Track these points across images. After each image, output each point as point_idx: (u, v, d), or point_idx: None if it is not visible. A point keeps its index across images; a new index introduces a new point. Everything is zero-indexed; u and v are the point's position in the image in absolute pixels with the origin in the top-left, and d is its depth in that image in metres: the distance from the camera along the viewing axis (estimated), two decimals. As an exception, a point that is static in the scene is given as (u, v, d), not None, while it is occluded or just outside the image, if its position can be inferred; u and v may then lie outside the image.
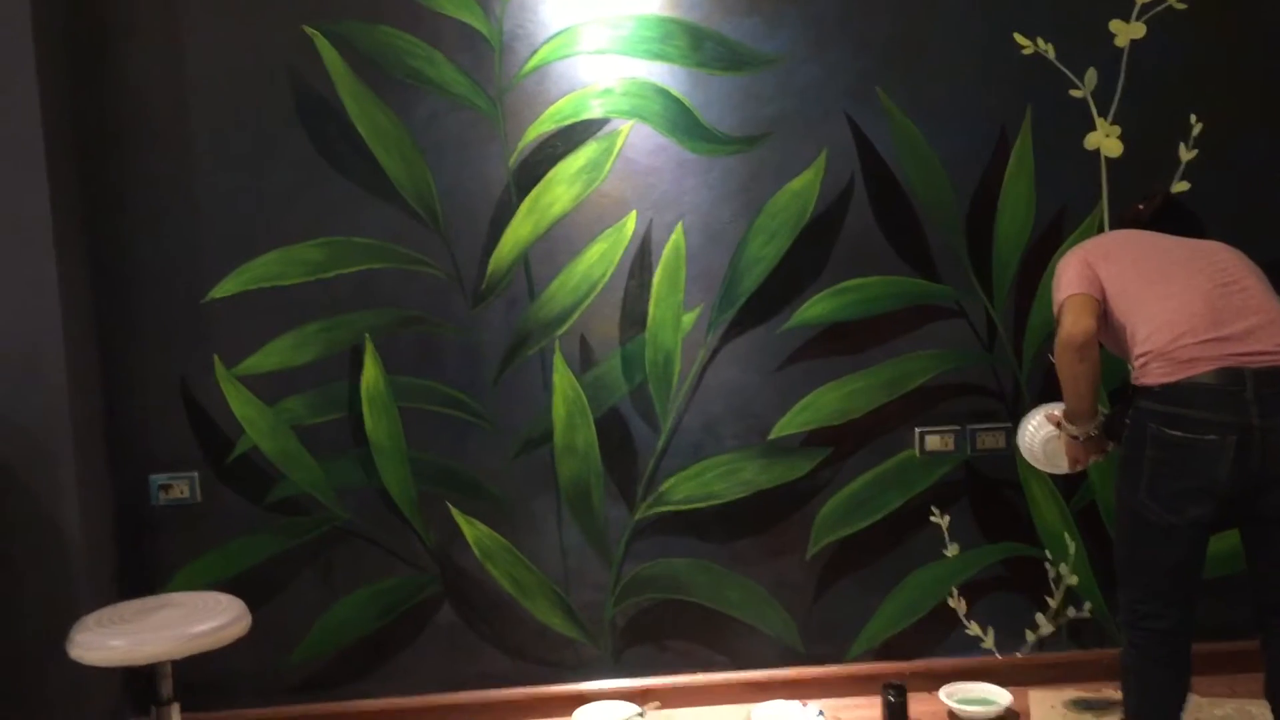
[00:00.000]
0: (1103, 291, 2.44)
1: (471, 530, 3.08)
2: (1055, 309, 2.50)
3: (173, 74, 2.91)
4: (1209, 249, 2.47)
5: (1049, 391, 3.02)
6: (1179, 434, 2.26)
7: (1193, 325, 2.31)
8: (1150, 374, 2.33)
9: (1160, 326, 2.34)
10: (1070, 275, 2.48)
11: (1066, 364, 2.46)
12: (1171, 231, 2.56)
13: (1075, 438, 2.54)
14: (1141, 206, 2.65)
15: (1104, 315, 2.44)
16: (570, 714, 3.03)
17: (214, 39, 2.91)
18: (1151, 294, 2.39)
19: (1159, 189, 2.68)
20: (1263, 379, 2.23)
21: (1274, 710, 2.36)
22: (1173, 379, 2.28)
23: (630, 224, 3.05)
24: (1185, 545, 2.33)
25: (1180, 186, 3.13)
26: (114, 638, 2.34)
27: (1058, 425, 2.60)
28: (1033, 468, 3.10)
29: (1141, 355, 2.35)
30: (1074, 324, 2.42)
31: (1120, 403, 2.52)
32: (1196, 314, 2.32)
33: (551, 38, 2.99)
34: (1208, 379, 2.25)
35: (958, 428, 3.16)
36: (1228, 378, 2.24)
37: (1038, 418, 2.73)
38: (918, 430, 3.15)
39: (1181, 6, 3.10)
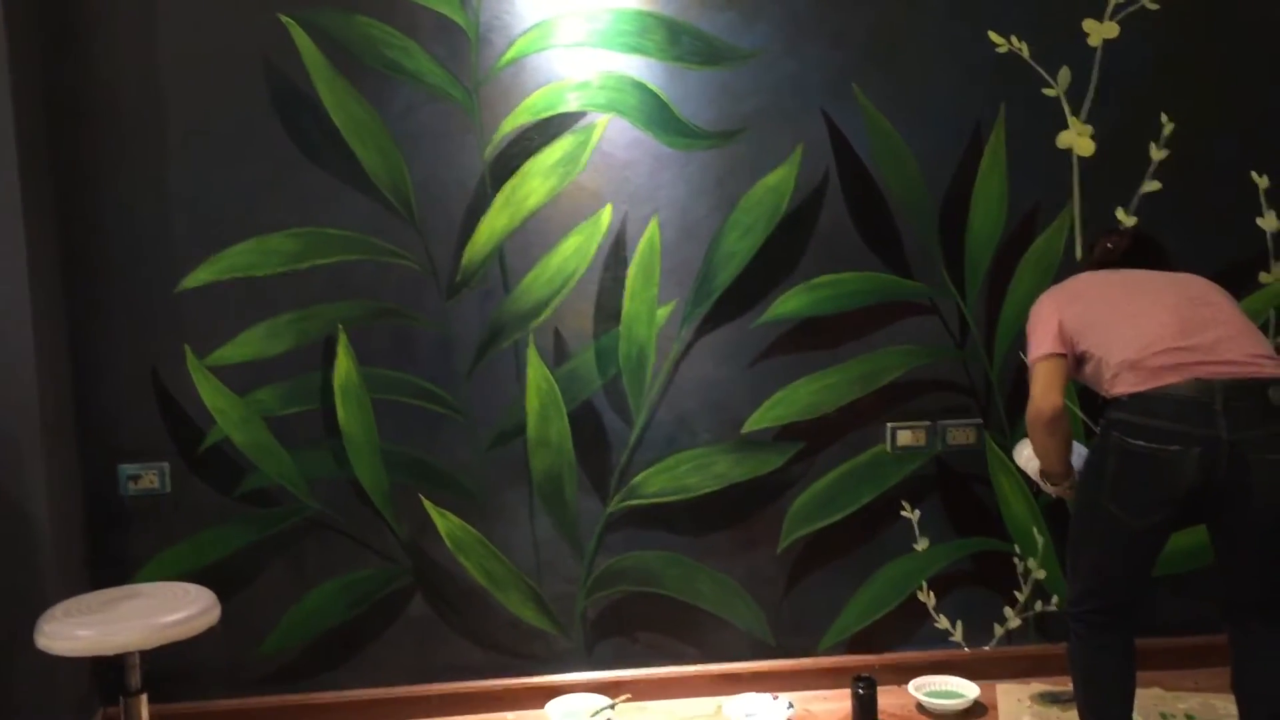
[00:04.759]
0: (1070, 337, 2.45)
1: (443, 522, 3.07)
2: (1029, 362, 2.51)
3: (146, 61, 2.88)
4: (1178, 275, 2.51)
5: (1019, 388, 3.05)
6: (1141, 444, 2.26)
7: (1161, 335, 2.31)
8: (1121, 384, 2.33)
9: (1130, 340, 2.34)
10: (1040, 332, 2.50)
11: (1038, 438, 2.52)
12: (1142, 266, 2.58)
13: (1055, 487, 2.61)
14: (1111, 245, 2.65)
15: (1076, 355, 2.46)
16: (541, 706, 3.04)
17: (188, 26, 2.88)
18: (1119, 316, 2.41)
19: (1127, 229, 2.69)
20: (1232, 391, 2.22)
21: (1239, 704, 2.38)
22: (1141, 388, 2.28)
23: (606, 217, 3.05)
24: (1142, 547, 2.36)
25: (1151, 186, 3.16)
26: (82, 628, 2.32)
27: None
28: (1002, 463, 3.15)
29: (1114, 367, 2.35)
30: (1043, 397, 2.45)
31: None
32: (1165, 324, 2.33)
33: (528, 30, 2.98)
34: (1177, 389, 2.24)
35: (929, 423, 3.18)
36: (1197, 389, 2.23)
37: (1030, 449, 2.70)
38: (889, 425, 3.17)
39: (1154, 7, 3.12)
